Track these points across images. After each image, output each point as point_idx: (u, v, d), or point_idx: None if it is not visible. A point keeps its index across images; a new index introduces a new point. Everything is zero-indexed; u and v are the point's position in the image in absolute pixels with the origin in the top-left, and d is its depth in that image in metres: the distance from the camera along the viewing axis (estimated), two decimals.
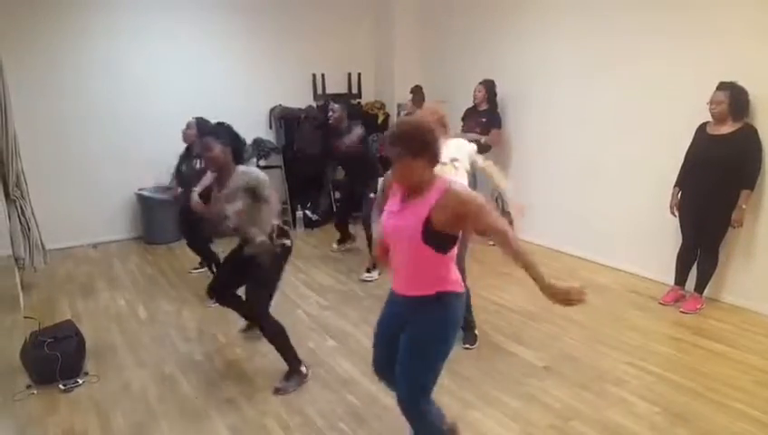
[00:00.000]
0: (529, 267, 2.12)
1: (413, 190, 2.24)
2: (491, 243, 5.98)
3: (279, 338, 3.41)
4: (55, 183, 6.19)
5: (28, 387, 3.47)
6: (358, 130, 5.42)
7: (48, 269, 5.46)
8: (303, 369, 3.49)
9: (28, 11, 5.91)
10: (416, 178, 2.20)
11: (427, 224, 2.15)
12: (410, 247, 2.22)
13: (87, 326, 4.25)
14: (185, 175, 5.06)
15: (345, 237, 6.20)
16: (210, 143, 3.38)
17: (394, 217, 2.28)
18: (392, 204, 2.33)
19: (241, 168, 3.45)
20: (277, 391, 3.37)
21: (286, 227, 3.57)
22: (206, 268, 5.39)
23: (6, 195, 4.93)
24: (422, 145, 2.16)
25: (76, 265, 5.94)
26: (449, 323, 2.34)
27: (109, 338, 4.18)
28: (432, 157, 2.19)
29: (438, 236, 2.19)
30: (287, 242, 3.48)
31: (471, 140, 6.00)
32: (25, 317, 4.06)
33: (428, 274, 2.28)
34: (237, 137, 3.49)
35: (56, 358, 3.46)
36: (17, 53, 5.72)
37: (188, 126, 5.19)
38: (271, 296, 3.52)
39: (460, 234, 2.28)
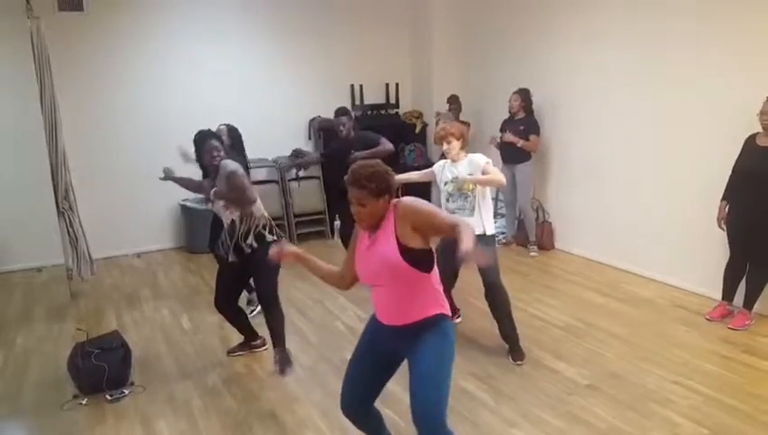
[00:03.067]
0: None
1: (375, 226, 2.32)
2: (532, 254, 6.05)
3: (280, 323, 3.76)
4: (101, 194, 6.36)
5: (75, 397, 3.57)
6: (388, 145, 5.08)
7: (94, 278, 5.62)
8: (287, 349, 3.80)
9: (78, 30, 6.12)
10: (378, 217, 2.29)
11: (399, 240, 2.22)
12: (395, 275, 2.26)
13: (133, 336, 4.36)
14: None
15: None
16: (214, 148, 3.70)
17: (367, 256, 2.33)
18: (361, 246, 2.39)
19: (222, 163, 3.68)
20: (283, 372, 3.71)
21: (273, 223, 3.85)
22: None
23: (56, 207, 5.11)
24: (386, 185, 2.26)
25: (121, 274, 6.09)
26: (452, 342, 2.39)
27: (154, 348, 4.28)
28: (391, 195, 2.31)
29: (413, 253, 2.24)
30: (274, 237, 3.75)
31: (509, 141, 6.01)
32: (77, 329, 4.18)
33: (418, 297, 2.32)
34: (239, 141, 3.93)
35: (103, 369, 3.55)
36: (67, 68, 5.93)
37: (219, 132, 5.25)
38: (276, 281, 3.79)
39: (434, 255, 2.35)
